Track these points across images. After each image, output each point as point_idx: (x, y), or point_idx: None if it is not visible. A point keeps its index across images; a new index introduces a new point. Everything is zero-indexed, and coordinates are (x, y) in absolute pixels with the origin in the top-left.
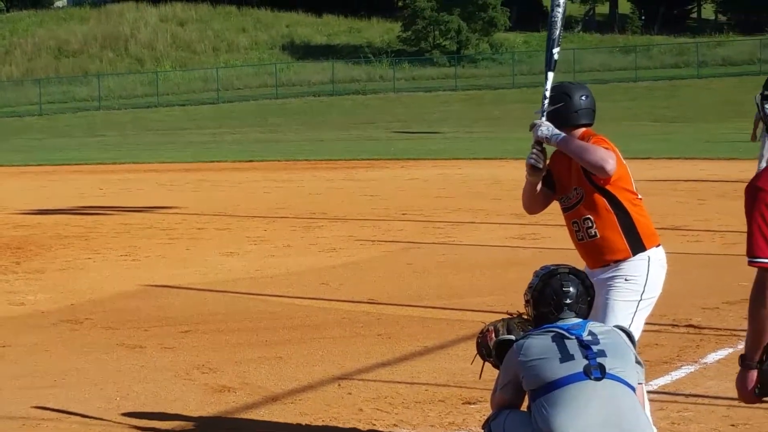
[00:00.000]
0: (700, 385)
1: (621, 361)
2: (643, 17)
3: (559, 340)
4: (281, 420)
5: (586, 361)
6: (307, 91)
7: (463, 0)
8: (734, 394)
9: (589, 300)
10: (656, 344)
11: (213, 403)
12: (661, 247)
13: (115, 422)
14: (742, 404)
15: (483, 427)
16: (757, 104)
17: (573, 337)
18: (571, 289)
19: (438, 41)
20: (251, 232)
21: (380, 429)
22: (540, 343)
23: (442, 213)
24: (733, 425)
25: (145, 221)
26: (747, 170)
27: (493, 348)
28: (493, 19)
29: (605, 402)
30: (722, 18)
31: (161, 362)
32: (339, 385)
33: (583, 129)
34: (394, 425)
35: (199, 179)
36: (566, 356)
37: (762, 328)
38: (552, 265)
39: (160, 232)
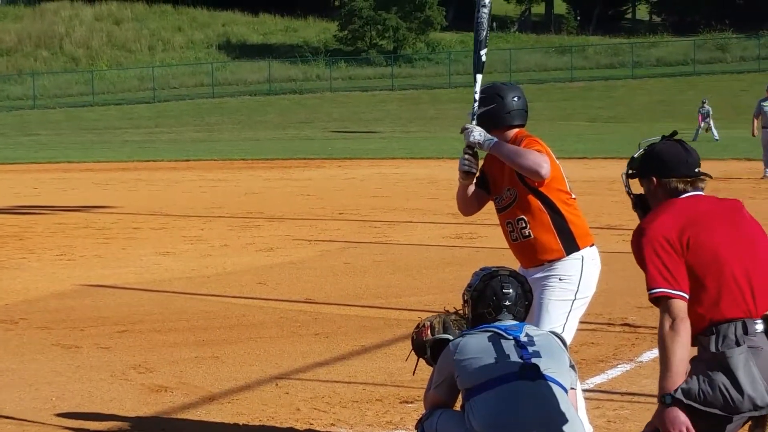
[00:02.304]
0: (635, 384)
1: (555, 363)
2: (578, 18)
3: (496, 339)
4: (218, 420)
5: (521, 361)
6: (244, 91)
7: None
8: None
9: (527, 304)
10: (592, 343)
11: (150, 403)
12: (594, 246)
13: (50, 423)
14: None
15: (416, 428)
16: (623, 181)
17: (511, 337)
18: (511, 291)
19: (375, 41)
20: (187, 231)
21: (318, 428)
22: (476, 342)
23: (379, 212)
24: None
25: (81, 221)
26: None
27: (429, 346)
28: (429, 18)
29: (539, 402)
30: (656, 19)
31: (97, 362)
32: (276, 384)
33: (516, 130)
34: (332, 425)
35: (135, 178)
36: (502, 356)
37: (677, 359)
38: (493, 267)
39: (96, 232)
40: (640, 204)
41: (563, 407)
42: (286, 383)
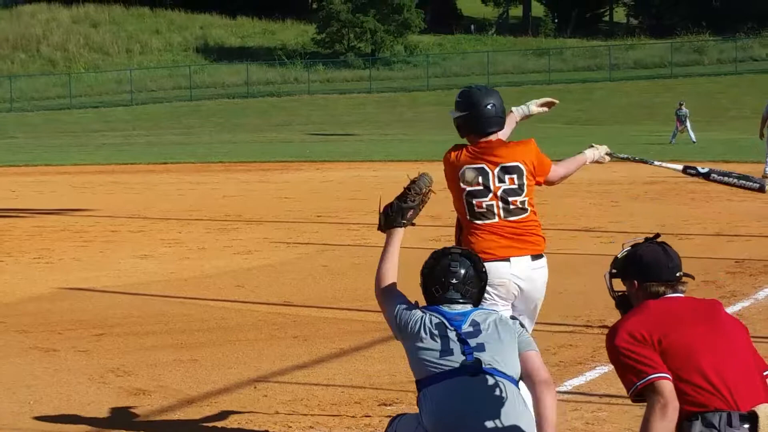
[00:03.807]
0: (614, 386)
1: (501, 353)
2: (555, 20)
3: (443, 329)
4: (197, 423)
5: (463, 357)
6: (222, 93)
7: (378, 2)
8: None
9: (481, 284)
10: (570, 345)
11: (128, 406)
12: None
13: (27, 427)
14: None
15: None
16: (606, 280)
17: (453, 328)
18: (461, 270)
19: (353, 43)
20: (165, 234)
21: (296, 431)
22: (425, 327)
23: (357, 215)
24: None
25: (59, 224)
26: (659, 173)
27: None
28: (407, 21)
29: (481, 396)
30: (634, 21)
31: (75, 365)
32: (255, 387)
33: (494, 136)
34: (310, 427)
35: (113, 181)
36: (446, 350)
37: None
38: (448, 246)
39: (74, 235)
40: (623, 304)
41: (507, 399)
42: (264, 386)
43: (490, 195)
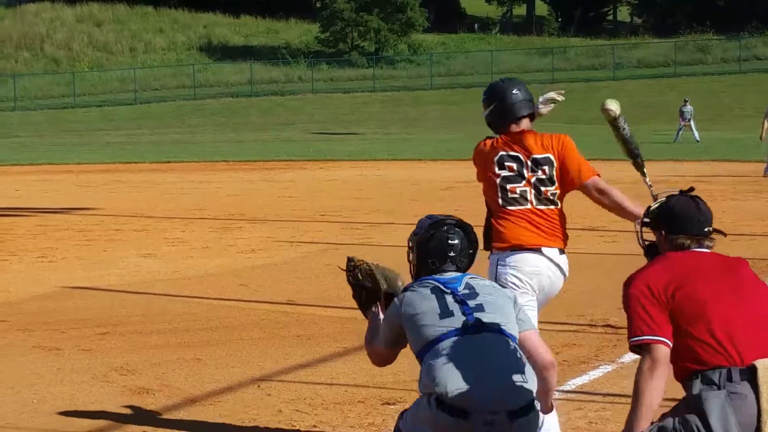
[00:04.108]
0: (617, 385)
1: (500, 314)
2: (559, 19)
3: (439, 294)
4: (200, 422)
5: (463, 317)
6: (225, 92)
7: (382, 1)
8: None
9: (471, 253)
10: (574, 344)
11: (131, 405)
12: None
13: (31, 426)
14: (659, 404)
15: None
16: (636, 229)
17: (449, 291)
18: (457, 241)
19: (356, 42)
20: (169, 233)
21: (300, 430)
22: (420, 297)
23: (360, 214)
24: (650, 423)
25: (62, 222)
26: (662, 172)
27: (366, 288)
28: (411, 20)
29: (485, 354)
30: (637, 21)
31: (78, 364)
32: (258, 386)
33: (526, 121)
34: (314, 426)
35: (117, 180)
36: (445, 312)
37: (648, 405)
38: (439, 216)
39: (77, 234)
40: (650, 253)
41: (510, 356)
42: (268, 385)
43: (524, 182)
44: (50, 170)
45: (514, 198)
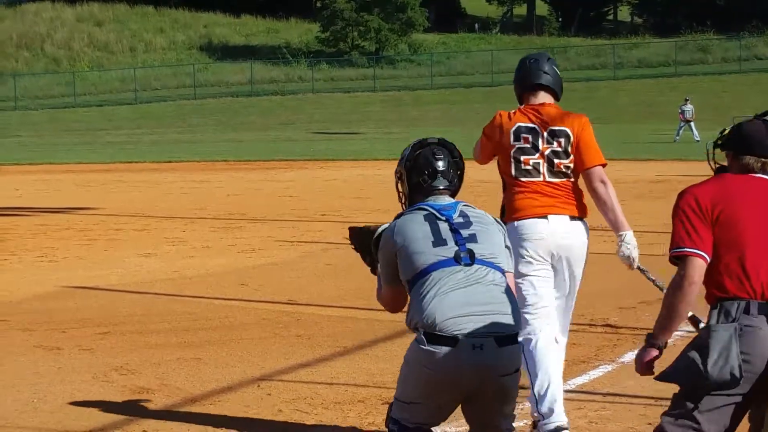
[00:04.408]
0: (617, 384)
1: (491, 245)
2: (560, 19)
3: (432, 220)
4: (200, 422)
5: (456, 247)
6: (226, 92)
7: (382, 0)
8: (652, 393)
9: (459, 173)
10: (574, 344)
11: (132, 404)
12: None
13: (32, 425)
14: (659, 403)
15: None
16: (708, 149)
17: (444, 218)
18: (442, 155)
19: (357, 42)
20: (169, 233)
21: (300, 430)
22: (413, 223)
23: (361, 214)
24: (650, 423)
25: (63, 222)
26: (664, 171)
27: (374, 242)
28: (411, 20)
29: (475, 286)
30: (638, 20)
31: (79, 364)
32: (258, 386)
33: (549, 96)
34: (314, 426)
35: (117, 180)
36: (439, 240)
37: (676, 316)
38: (421, 138)
39: (78, 233)
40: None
41: (499, 289)
42: (268, 384)
43: (537, 154)
44: (51, 170)
45: (526, 170)
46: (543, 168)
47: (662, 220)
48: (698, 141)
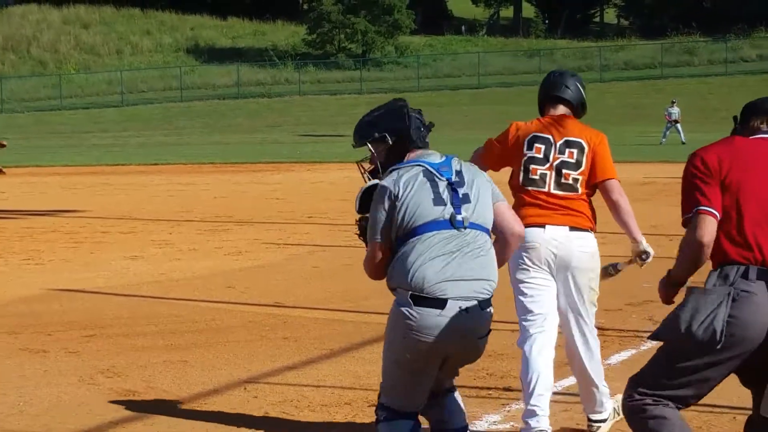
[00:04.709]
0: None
1: (482, 205)
2: (546, 21)
3: (431, 178)
4: (187, 424)
5: (452, 210)
6: (212, 94)
7: (369, 2)
8: None
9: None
10: (561, 346)
11: (118, 407)
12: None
13: (17, 429)
14: None
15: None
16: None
17: (444, 179)
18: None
19: (343, 44)
20: (156, 235)
21: None
22: (415, 178)
23: (348, 216)
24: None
25: (49, 225)
26: (651, 173)
27: (361, 196)
28: (397, 22)
29: (465, 251)
30: (624, 22)
31: (65, 367)
32: (245, 388)
33: (567, 111)
34: (300, 428)
35: (103, 182)
36: (438, 199)
37: (694, 258)
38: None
39: (64, 236)
40: None
41: (487, 252)
42: (254, 387)
43: (547, 165)
44: (37, 172)
45: (533, 179)
46: (550, 179)
47: (650, 222)
48: (684, 143)
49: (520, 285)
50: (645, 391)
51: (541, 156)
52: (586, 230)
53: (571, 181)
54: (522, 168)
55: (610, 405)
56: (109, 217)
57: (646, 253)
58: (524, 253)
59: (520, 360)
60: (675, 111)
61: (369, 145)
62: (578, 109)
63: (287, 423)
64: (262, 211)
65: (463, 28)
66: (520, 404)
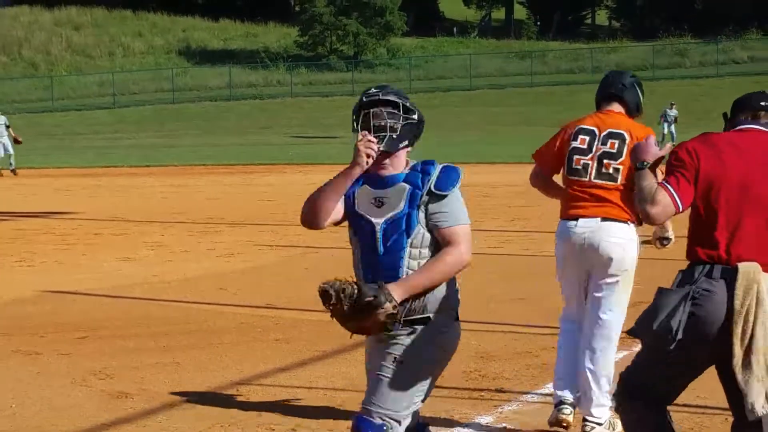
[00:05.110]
0: None
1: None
2: (538, 23)
3: None
4: (179, 426)
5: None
6: (204, 96)
7: (361, 4)
8: None
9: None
10: (553, 347)
11: (110, 409)
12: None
13: (9, 430)
14: None
15: None
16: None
17: None
18: None
19: (335, 46)
20: (148, 237)
21: None
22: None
23: None
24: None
25: (41, 227)
26: None
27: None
28: (389, 24)
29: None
30: (616, 24)
31: (58, 368)
32: (237, 390)
33: (619, 109)
34: (292, 430)
35: (96, 184)
36: None
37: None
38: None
39: (56, 238)
40: None
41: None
42: (246, 389)
43: (590, 155)
44: (29, 174)
45: (576, 169)
46: (591, 169)
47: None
48: (673, 144)
49: (560, 276)
50: (631, 383)
51: (585, 147)
52: (621, 221)
53: (611, 171)
54: (567, 158)
55: (606, 413)
56: (102, 219)
57: (668, 238)
58: (558, 245)
59: (511, 362)
60: (673, 114)
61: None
62: (632, 108)
63: (280, 425)
64: (254, 212)
65: (454, 29)
66: (512, 405)
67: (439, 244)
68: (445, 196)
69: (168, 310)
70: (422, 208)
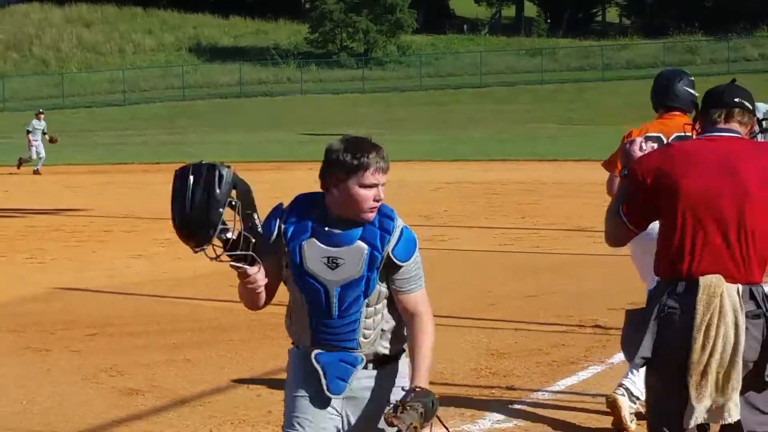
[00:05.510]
0: (606, 386)
1: None
2: (548, 20)
3: None
4: (190, 423)
5: None
6: (214, 93)
7: (371, 1)
8: (640, 395)
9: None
10: (563, 345)
11: (121, 406)
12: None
13: (21, 427)
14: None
15: None
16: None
17: None
18: None
19: (345, 43)
20: (159, 234)
21: None
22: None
23: None
24: (639, 424)
25: (52, 223)
26: None
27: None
28: (400, 21)
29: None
30: (626, 21)
31: (68, 365)
32: (248, 387)
33: (678, 114)
34: None
35: (106, 181)
36: None
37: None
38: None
39: (67, 235)
40: None
41: None
42: (257, 386)
43: None
44: (40, 171)
45: None
46: None
47: None
48: None
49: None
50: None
51: None
52: None
53: None
54: None
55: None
56: (112, 216)
57: None
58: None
59: (522, 359)
60: None
61: None
62: (690, 110)
63: None
64: (263, 210)
65: (465, 27)
66: (522, 403)
67: (392, 296)
68: (406, 263)
69: (178, 307)
70: (381, 269)
